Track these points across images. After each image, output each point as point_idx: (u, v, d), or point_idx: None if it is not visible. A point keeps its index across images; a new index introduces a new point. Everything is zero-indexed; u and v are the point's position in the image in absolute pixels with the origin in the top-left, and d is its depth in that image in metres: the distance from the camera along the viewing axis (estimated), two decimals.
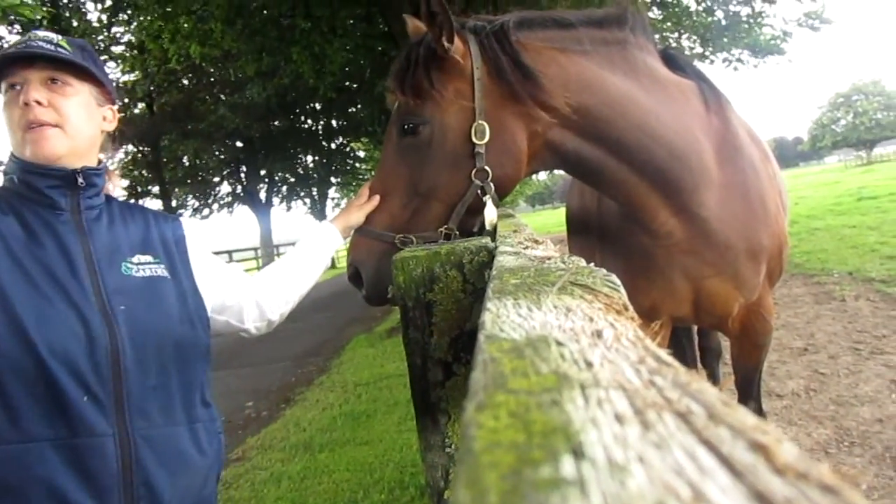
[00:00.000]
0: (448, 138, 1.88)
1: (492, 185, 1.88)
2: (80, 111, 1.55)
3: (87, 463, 1.36)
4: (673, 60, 2.24)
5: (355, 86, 16.19)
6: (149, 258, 1.60)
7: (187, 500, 1.53)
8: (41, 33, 1.53)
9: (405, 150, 1.95)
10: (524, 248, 1.06)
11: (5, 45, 15.21)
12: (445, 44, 1.85)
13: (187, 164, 24.75)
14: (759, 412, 2.90)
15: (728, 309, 2.40)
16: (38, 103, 1.47)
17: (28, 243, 1.43)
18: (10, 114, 1.49)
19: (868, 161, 76.34)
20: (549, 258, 0.90)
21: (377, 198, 1.98)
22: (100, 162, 1.65)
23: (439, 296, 1.11)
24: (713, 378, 4.23)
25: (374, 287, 1.94)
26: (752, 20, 14.24)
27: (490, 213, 1.89)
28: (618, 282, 0.67)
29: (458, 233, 1.92)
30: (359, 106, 18.47)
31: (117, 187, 1.77)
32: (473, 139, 1.86)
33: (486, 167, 1.86)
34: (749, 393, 2.84)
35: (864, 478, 3.39)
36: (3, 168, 1.55)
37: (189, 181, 25.37)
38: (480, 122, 1.85)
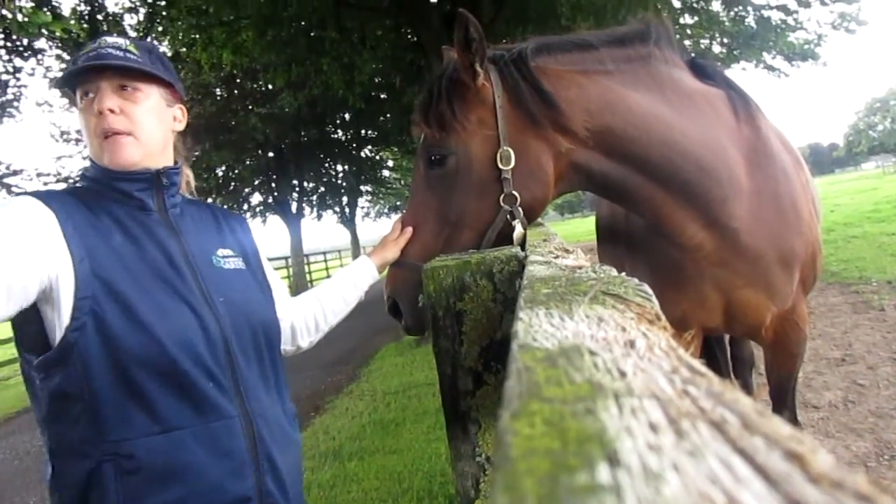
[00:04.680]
0: (474, 166, 1.90)
1: (520, 209, 1.89)
2: (151, 116, 1.60)
3: (224, 444, 1.45)
4: (701, 69, 2.22)
5: (384, 96, 16.35)
6: (229, 252, 1.69)
7: (292, 472, 1.63)
8: (110, 39, 1.57)
9: (433, 182, 1.97)
10: (554, 258, 1.06)
11: (48, 56, 15.65)
12: (478, 69, 1.87)
13: (220, 174, 25.10)
14: (794, 423, 2.84)
15: (760, 318, 2.36)
16: (111, 111, 1.51)
17: (128, 244, 1.48)
18: (87, 121, 1.53)
19: None
20: (580, 267, 0.90)
21: (409, 231, 2.00)
22: (176, 161, 1.72)
23: (469, 305, 1.11)
24: (746, 388, 4.16)
25: (414, 317, 1.97)
26: (783, 26, 13.96)
27: (517, 233, 1.89)
28: (650, 291, 0.67)
29: None
30: (388, 115, 18.63)
31: (190, 185, 1.83)
32: (499, 165, 1.87)
33: (514, 192, 1.87)
34: (783, 402, 2.79)
35: None
36: (81, 173, 1.61)
37: (222, 191, 25.70)
38: (505, 147, 1.87)
